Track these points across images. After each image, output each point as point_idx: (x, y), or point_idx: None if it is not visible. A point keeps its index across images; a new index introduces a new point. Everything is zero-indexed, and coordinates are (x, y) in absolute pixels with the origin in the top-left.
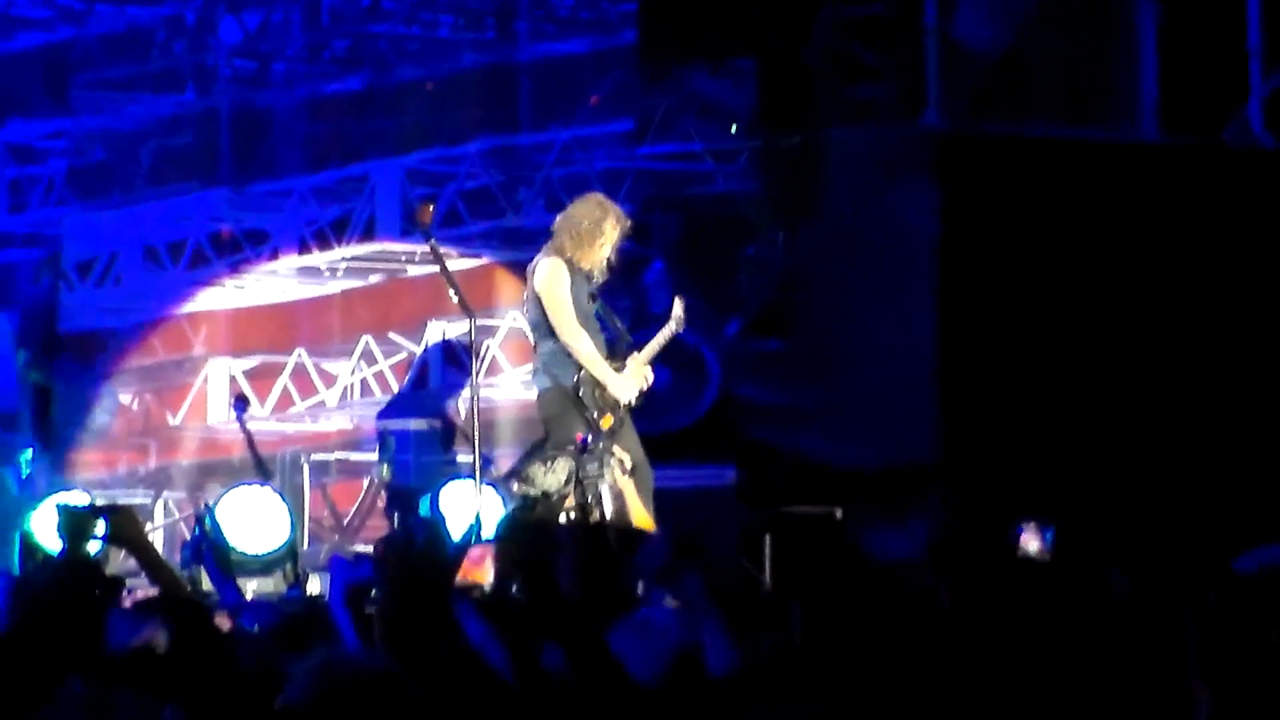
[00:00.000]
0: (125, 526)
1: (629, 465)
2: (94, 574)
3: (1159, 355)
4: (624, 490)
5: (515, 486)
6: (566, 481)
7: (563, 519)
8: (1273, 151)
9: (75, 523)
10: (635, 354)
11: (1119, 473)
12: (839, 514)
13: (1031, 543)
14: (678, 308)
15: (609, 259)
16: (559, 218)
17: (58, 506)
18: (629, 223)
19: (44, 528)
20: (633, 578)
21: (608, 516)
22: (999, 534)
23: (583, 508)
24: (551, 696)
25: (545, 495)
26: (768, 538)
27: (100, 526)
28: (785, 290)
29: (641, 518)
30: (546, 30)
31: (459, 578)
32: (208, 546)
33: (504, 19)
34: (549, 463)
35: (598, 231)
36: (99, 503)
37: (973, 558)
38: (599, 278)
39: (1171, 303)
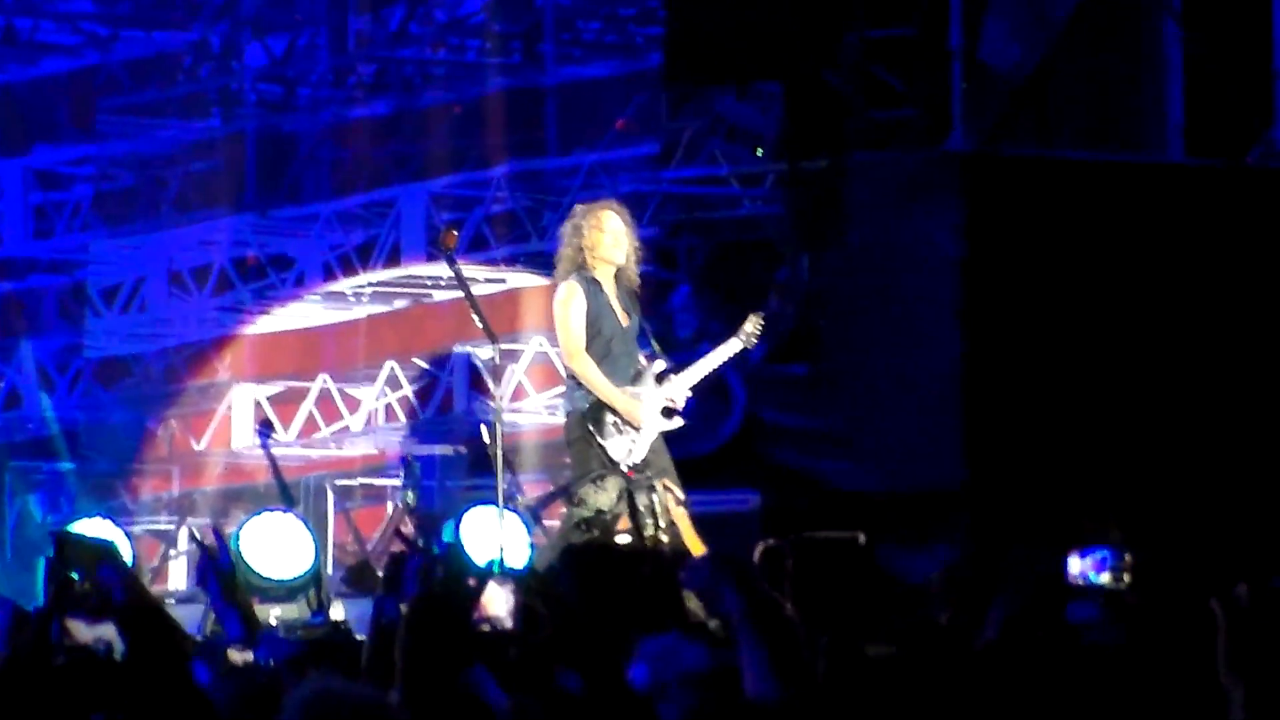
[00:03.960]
0: (74, 555)
1: (681, 496)
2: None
3: (1186, 376)
4: (678, 521)
5: (567, 509)
6: (619, 499)
7: (618, 540)
8: None
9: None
10: (672, 376)
11: (1147, 492)
12: (862, 539)
13: (1097, 571)
14: (751, 324)
15: (629, 253)
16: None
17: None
18: (614, 206)
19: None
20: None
21: (664, 541)
22: (1040, 562)
23: (639, 531)
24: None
25: (599, 513)
26: (790, 562)
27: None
28: (809, 314)
29: (697, 548)
30: (573, 54)
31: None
32: (212, 574)
33: (530, 43)
34: (599, 481)
35: (584, 226)
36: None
37: (1015, 586)
38: (633, 278)
39: (1197, 324)
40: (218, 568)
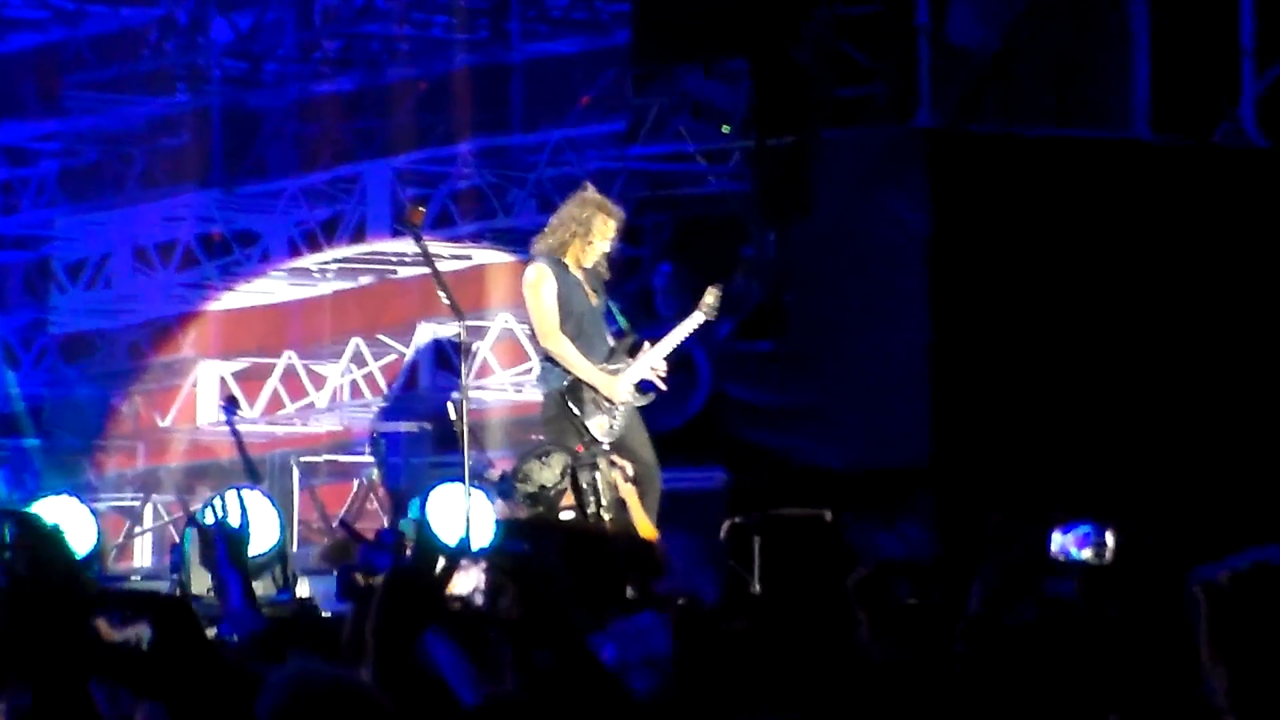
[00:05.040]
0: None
1: (631, 473)
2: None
3: (1150, 353)
4: (626, 498)
5: (514, 486)
6: (562, 476)
7: (562, 517)
8: (1265, 151)
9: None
10: (646, 346)
11: (1113, 469)
12: (828, 516)
13: (1079, 547)
14: (711, 295)
15: (607, 252)
16: (552, 217)
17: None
18: (622, 213)
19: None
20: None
21: (606, 519)
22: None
23: (582, 508)
24: (552, 707)
25: (542, 489)
26: (757, 540)
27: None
28: (776, 291)
29: (644, 526)
30: (539, 30)
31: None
32: (221, 537)
33: (496, 19)
34: (544, 458)
35: (587, 230)
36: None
37: (996, 560)
38: (601, 272)
39: (1162, 301)
40: (229, 529)
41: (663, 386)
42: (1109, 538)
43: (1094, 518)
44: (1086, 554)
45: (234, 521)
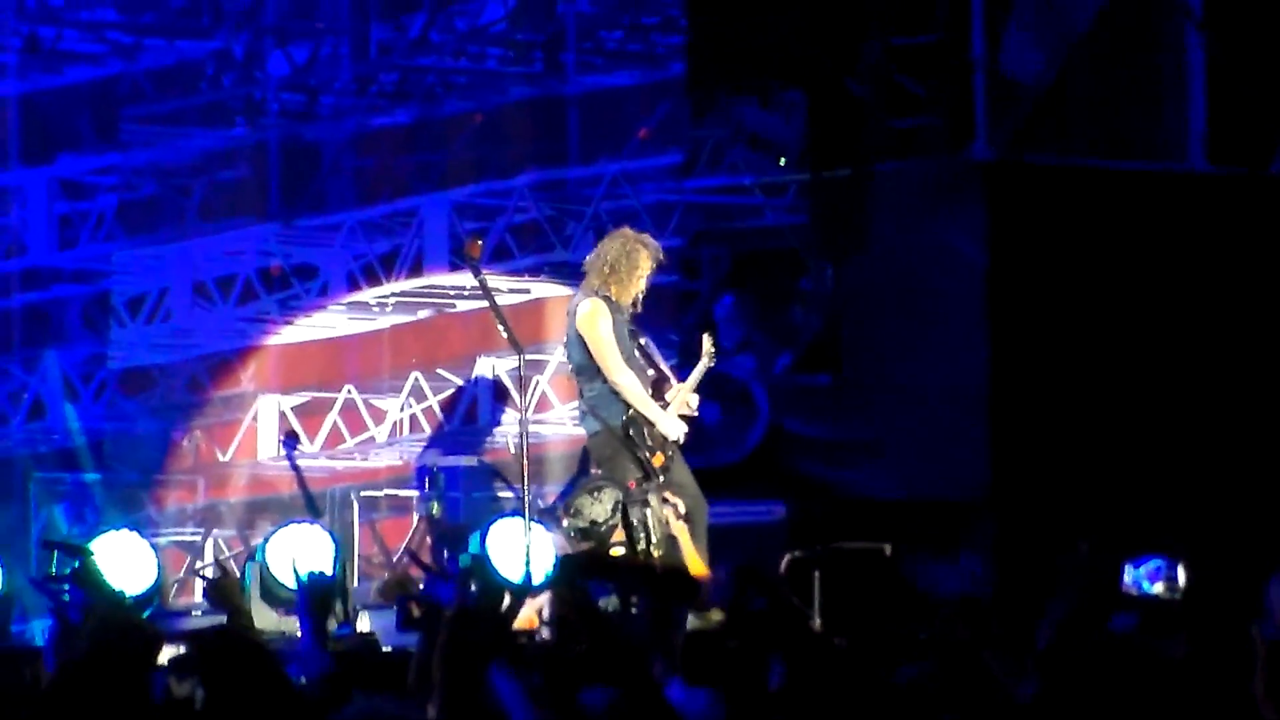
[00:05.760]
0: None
1: (683, 510)
2: (135, 631)
3: (1210, 383)
4: (678, 535)
5: (563, 520)
6: (614, 511)
7: (612, 553)
8: None
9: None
10: (674, 384)
11: (1174, 500)
12: (888, 550)
13: (1151, 581)
14: (706, 343)
15: (642, 292)
16: (590, 256)
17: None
18: (661, 254)
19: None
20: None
21: (655, 556)
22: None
23: (632, 545)
24: None
25: (593, 524)
26: (817, 574)
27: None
28: (833, 324)
29: (695, 564)
30: (594, 63)
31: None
32: (302, 586)
33: (552, 52)
34: (595, 493)
35: (633, 267)
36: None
37: (1069, 591)
38: (632, 311)
39: (1221, 331)
40: (317, 579)
41: (693, 414)
42: (1180, 572)
43: (1165, 552)
44: (1158, 588)
45: (326, 570)
